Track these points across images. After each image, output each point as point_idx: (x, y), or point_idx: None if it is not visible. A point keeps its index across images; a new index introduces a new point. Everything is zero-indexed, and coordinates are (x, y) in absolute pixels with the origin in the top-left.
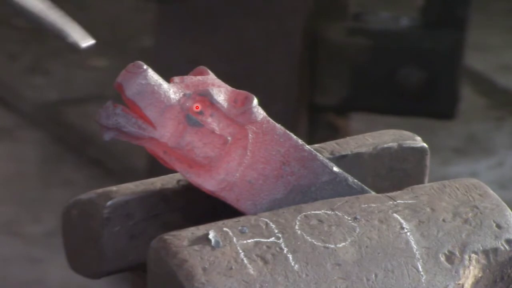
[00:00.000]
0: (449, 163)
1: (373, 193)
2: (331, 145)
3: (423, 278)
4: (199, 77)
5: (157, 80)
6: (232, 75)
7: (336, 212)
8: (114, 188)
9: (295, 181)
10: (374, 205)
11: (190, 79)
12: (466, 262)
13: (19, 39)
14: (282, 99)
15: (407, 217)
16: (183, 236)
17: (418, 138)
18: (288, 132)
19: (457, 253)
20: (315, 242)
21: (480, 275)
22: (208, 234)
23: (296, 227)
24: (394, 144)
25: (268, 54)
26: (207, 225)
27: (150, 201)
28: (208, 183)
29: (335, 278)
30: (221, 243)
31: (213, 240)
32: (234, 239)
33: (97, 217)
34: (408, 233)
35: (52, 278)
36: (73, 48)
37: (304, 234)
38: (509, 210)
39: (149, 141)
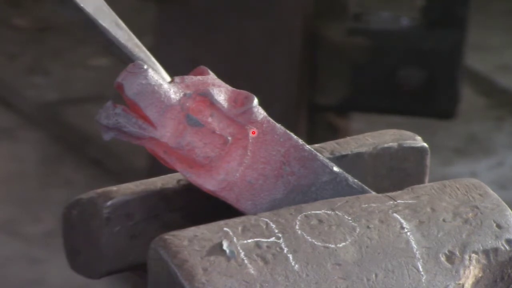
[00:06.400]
0: (449, 163)
1: (373, 193)
2: (331, 145)
3: (424, 278)
4: (200, 77)
5: (157, 80)
6: (232, 75)
7: (337, 212)
8: (114, 188)
9: (295, 181)
10: (374, 205)
11: (191, 79)
12: (467, 262)
13: (19, 39)
14: (282, 99)
15: (407, 217)
16: (183, 236)
17: (419, 138)
18: (288, 132)
19: (457, 253)
20: (315, 242)
21: (480, 275)
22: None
23: (297, 227)
24: (394, 144)
25: (268, 53)
26: (207, 225)
27: (150, 201)
28: (209, 183)
29: (335, 278)
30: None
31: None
32: (235, 239)
33: (97, 217)
34: (409, 233)
35: (52, 278)
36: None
37: (305, 234)
38: (509, 210)
39: (149, 141)
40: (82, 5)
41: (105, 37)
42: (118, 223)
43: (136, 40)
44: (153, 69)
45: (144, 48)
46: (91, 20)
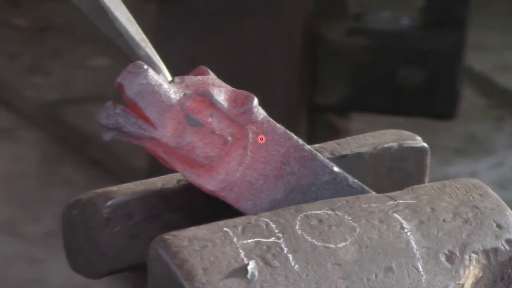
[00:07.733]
0: (449, 163)
1: (374, 193)
2: (331, 145)
3: (423, 278)
4: (200, 77)
5: (157, 80)
6: (232, 75)
7: (337, 212)
8: (114, 188)
9: (295, 181)
10: (374, 205)
11: (191, 79)
12: (467, 262)
13: (19, 39)
14: (282, 99)
15: (408, 217)
16: (183, 236)
17: (419, 138)
18: (288, 132)
19: (457, 253)
20: (315, 242)
21: (480, 275)
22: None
23: (297, 227)
24: (394, 144)
25: (268, 53)
26: (207, 225)
27: (150, 201)
28: (209, 183)
29: (335, 278)
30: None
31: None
32: (234, 239)
33: (97, 217)
34: (409, 233)
35: (52, 278)
36: None
37: (305, 234)
38: (509, 210)
39: (149, 141)
40: None
41: (115, 26)
42: (118, 223)
43: (144, 36)
44: (155, 66)
45: (150, 45)
46: (103, 9)
